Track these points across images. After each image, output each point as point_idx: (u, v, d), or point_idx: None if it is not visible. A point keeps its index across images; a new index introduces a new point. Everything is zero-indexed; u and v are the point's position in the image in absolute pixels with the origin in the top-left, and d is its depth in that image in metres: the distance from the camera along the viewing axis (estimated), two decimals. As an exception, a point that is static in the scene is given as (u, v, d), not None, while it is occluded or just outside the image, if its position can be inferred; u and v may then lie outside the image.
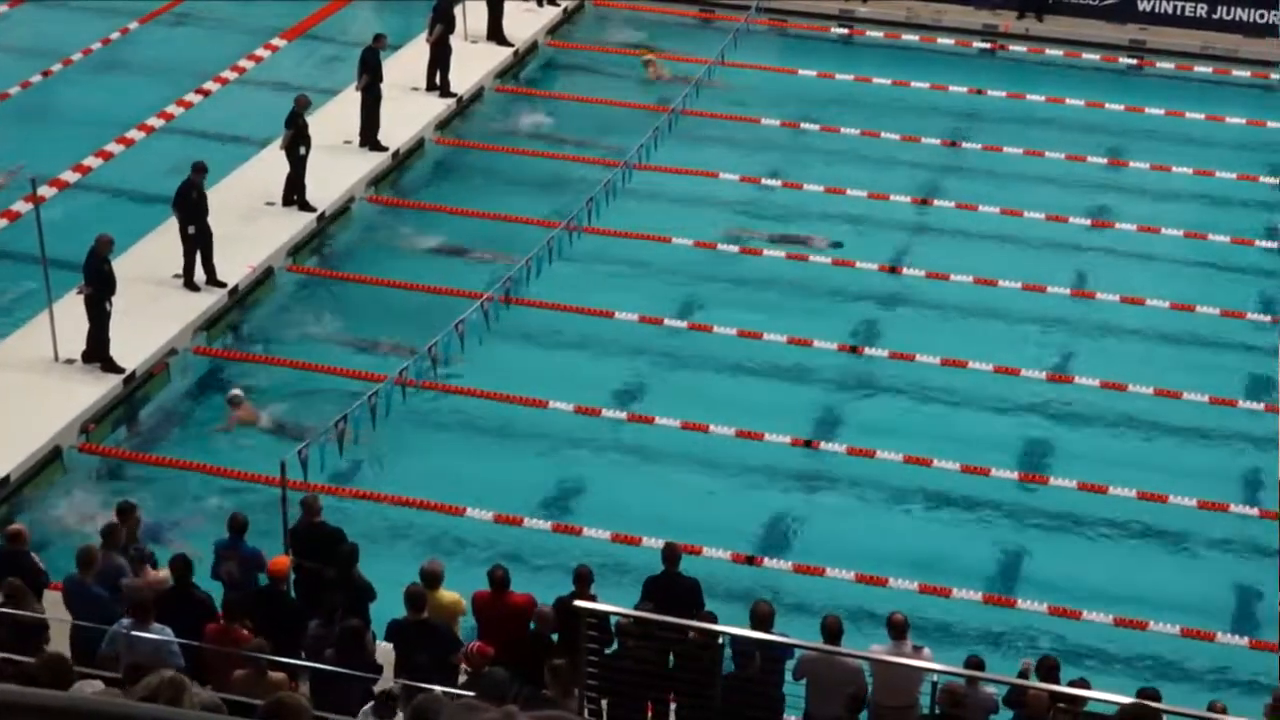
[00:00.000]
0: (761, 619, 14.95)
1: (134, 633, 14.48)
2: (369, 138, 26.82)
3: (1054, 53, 32.14)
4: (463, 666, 14.92)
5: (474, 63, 29.95)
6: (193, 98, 28.90)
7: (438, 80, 28.87)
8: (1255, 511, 20.09)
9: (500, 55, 30.63)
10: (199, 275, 23.03)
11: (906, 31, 32.77)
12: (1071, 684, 14.33)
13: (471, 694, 13.48)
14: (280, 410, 21.33)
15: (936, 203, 26.85)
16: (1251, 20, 32.40)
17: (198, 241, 22.84)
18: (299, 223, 24.92)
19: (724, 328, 23.22)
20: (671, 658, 14.76)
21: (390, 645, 15.43)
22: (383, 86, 26.71)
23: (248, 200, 25.19)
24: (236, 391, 21.05)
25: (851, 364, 22.82)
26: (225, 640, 14.90)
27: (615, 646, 15.00)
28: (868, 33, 32.78)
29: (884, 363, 22.73)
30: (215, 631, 15.03)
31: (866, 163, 27.94)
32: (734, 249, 25.35)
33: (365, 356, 22.13)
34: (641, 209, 25.87)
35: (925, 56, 32.12)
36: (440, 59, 28.78)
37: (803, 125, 29.18)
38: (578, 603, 14.59)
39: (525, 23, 31.78)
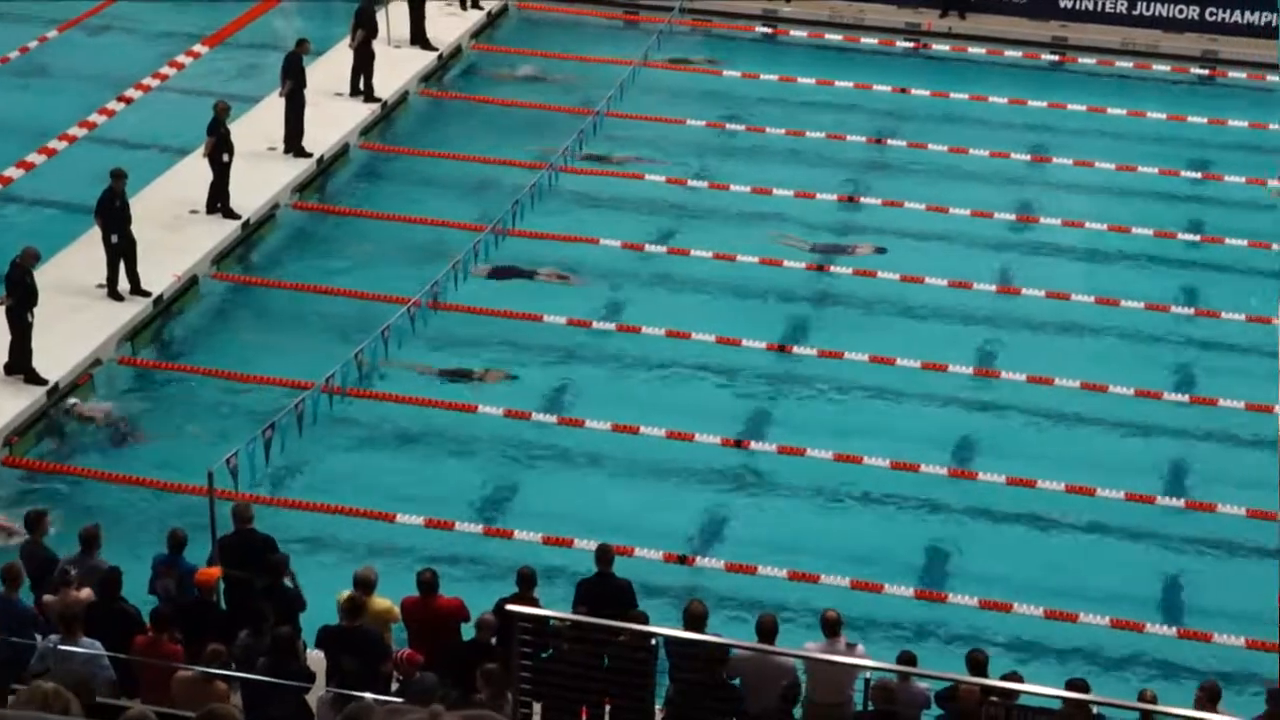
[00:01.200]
0: (695, 619, 14.97)
1: (63, 647, 14.33)
2: (293, 144, 26.67)
3: (977, 50, 32.34)
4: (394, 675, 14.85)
5: (398, 67, 29.84)
6: (115, 106, 28.65)
7: (361, 85, 28.74)
8: (1181, 503, 20.24)
9: (424, 59, 30.54)
10: (123, 284, 22.84)
11: (830, 31, 32.88)
12: (1004, 677, 14.39)
13: (401, 700, 13.41)
14: (207, 420, 21.20)
15: (863, 200, 26.96)
16: (1170, 16, 32.70)
17: (121, 250, 22.66)
18: (223, 230, 24.75)
19: (652, 328, 23.22)
20: (605, 660, 14.73)
21: (321, 653, 15.34)
22: (306, 92, 26.58)
23: (171, 208, 25.00)
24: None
25: (781, 363, 22.87)
26: (154, 652, 14.78)
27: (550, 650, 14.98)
28: (791, 32, 32.89)
29: (813, 361, 22.79)
30: (143, 643, 14.91)
31: (793, 161, 28.02)
32: (661, 250, 25.36)
33: (292, 364, 21.97)
34: (568, 211, 25.84)
35: (849, 56, 32.25)
36: (363, 64, 28.66)
37: (728, 125, 29.25)
38: (509, 606, 14.56)
39: (449, 26, 31.70)
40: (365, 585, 15.52)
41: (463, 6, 32.52)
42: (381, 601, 15.67)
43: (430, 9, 30.98)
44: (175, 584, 16.07)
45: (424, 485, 20.28)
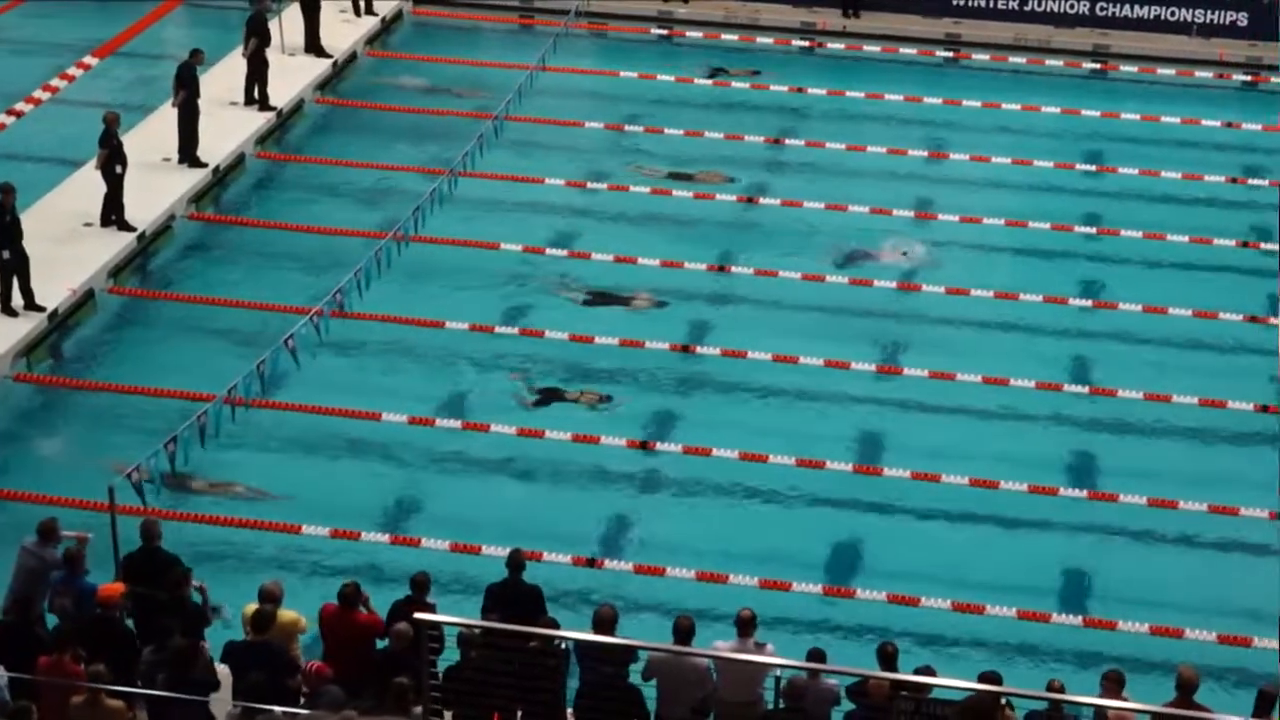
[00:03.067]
0: (604, 623, 14.95)
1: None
2: (188, 154, 26.41)
3: (872, 49, 32.54)
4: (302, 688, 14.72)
5: (293, 75, 29.62)
6: (4, 119, 28.27)
7: (256, 94, 28.51)
8: (1084, 494, 20.42)
9: (319, 67, 30.32)
10: (16, 300, 22.53)
11: (726, 31, 32.98)
12: (915, 671, 14.46)
13: (309, 712, 13.33)
14: (106, 434, 20.94)
15: (762, 200, 27.03)
16: (1061, 11, 33.03)
17: (13, 266, 22.35)
18: (119, 243, 24.47)
19: (555, 332, 23.18)
20: (515, 666, 14.67)
21: (226, 668, 15.17)
22: (201, 102, 26.34)
23: (65, 221, 24.70)
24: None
25: (684, 363, 22.88)
26: (56, 672, 14.56)
27: (451, 655, 14.91)
28: (687, 34, 32.96)
29: (716, 361, 22.82)
30: (46, 664, 14.68)
31: (691, 163, 28.06)
32: (562, 253, 25.31)
33: (193, 376, 21.74)
34: (469, 216, 25.75)
35: (745, 56, 32.34)
36: (257, 72, 28.42)
37: (626, 128, 29.26)
38: (418, 615, 14.48)
39: (343, 34, 31.51)
40: (271, 598, 15.37)
41: (356, 12, 32.34)
42: (288, 614, 15.52)
43: (324, 16, 30.78)
44: (72, 603, 15.85)
45: (329, 495, 20.12)
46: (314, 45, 30.55)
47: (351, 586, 15.57)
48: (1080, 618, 18.53)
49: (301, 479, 20.48)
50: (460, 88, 30.38)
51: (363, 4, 32.40)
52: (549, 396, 22.16)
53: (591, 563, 19.12)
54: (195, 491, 20.06)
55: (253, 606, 15.28)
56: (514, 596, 15.86)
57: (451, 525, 19.63)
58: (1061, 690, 14.53)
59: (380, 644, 15.43)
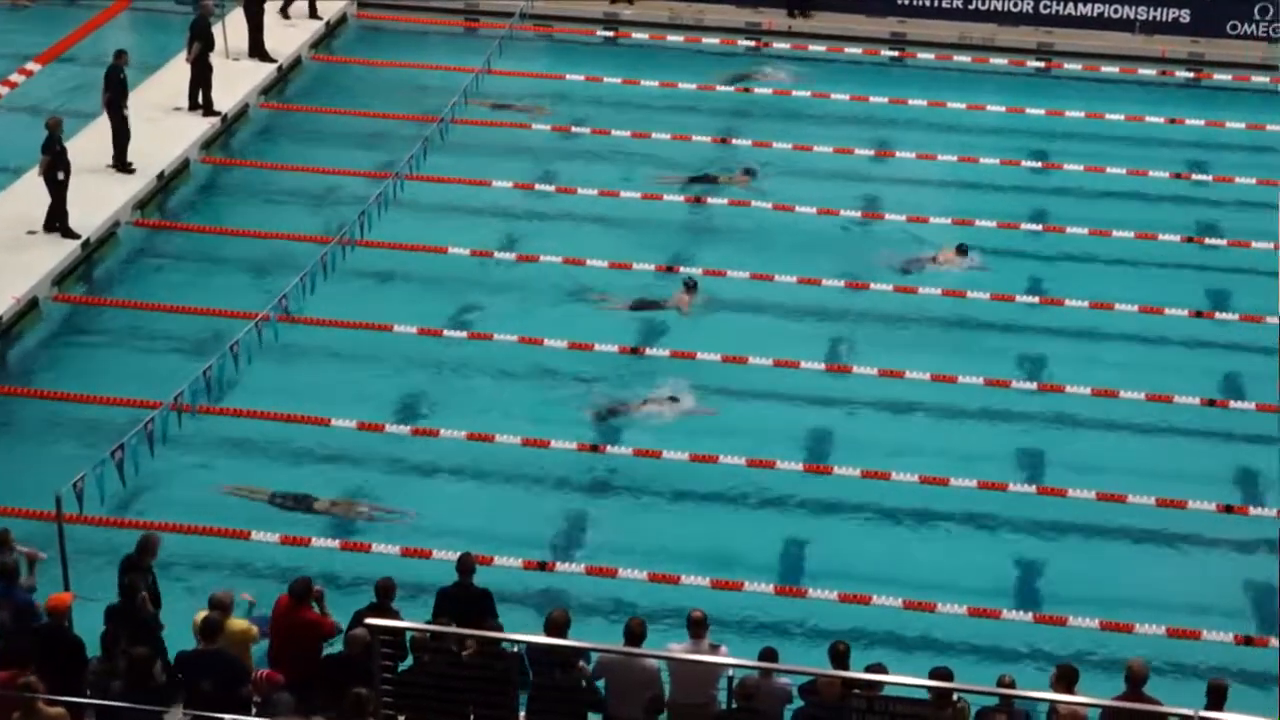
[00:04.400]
0: (556, 626, 14.94)
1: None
2: (119, 159, 26.18)
3: (817, 48, 32.60)
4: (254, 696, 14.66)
5: (237, 80, 29.49)
6: (-54, 128, 28.11)
7: (200, 99, 28.35)
8: (1033, 489, 20.50)
9: (264, 71, 30.19)
10: (-40, 309, 22.40)
11: (671, 33, 32.99)
12: (867, 669, 14.49)
13: (262, 720, 13.28)
14: (53, 443, 20.79)
15: (710, 201, 27.04)
16: (1005, 9, 33.17)
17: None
18: (63, 250, 24.29)
19: (504, 335, 23.13)
20: (466, 670, 14.66)
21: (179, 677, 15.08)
22: (148, 108, 26.15)
23: (8, 229, 24.53)
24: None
25: (633, 364, 22.87)
26: (11, 685, 14.41)
27: (409, 661, 14.87)
28: (633, 35, 32.96)
29: (665, 361, 22.81)
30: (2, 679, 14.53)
31: (639, 164, 28.06)
32: (511, 256, 25.27)
33: (139, 383, 21.60)
34: (415, 220, 25.68)
35: (691, 56, 32.37)
36: (201, 77, 28.26)
37: (573, 129, 29.24)
38: (368, 620, 14.46)
39: (287, 38, 31.37)
40: (221, 607, 15.29)
41: (283, 15, 32.06)
42: (238, 622, 15.46)
43: (269, 20, 30.65)
44: (10, 615, 15.68)
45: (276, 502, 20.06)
46: (258, 50, 30.40)
47: (303, 581, 15.53)
48: (1031, 614, 18.60)
49: (255, 483, 20.36)
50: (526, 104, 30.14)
51: (308, 6, 32.22)
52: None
53: (543, 566, 19.09)
54: (318, 512, 19.92)
55: (202, 614, 15.20)
56: (464, 600, 15.83)
57: (402, 530, 19.57)
58: (1012, 686, 14.60)
59: (330, 647, 15.39)
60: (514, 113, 29.17)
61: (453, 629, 14.83)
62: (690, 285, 24.07)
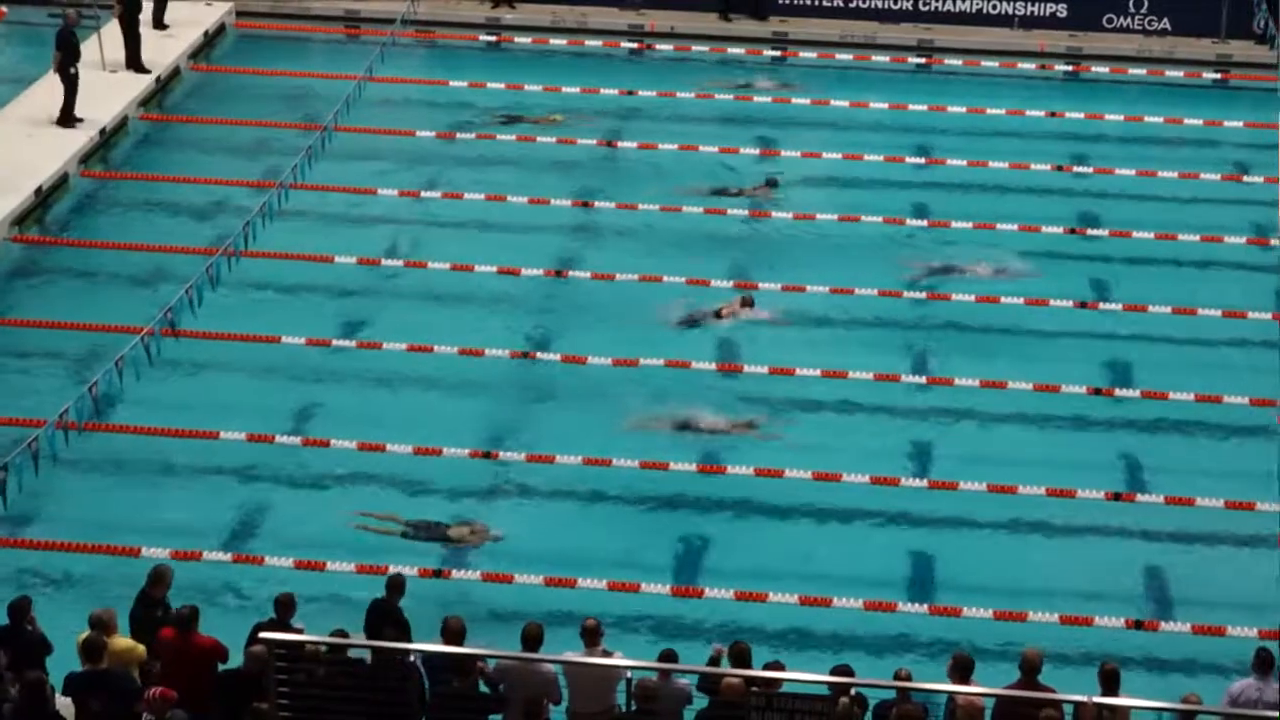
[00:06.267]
0: (453, 634, 14.87)
1: None
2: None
3: (700, 49, 32.69)
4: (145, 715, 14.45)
5: (115, 92, 29.12)
6: None
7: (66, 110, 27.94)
8: (925, 483, 20.63)
9: (141, 83, 29.81)
10: None
11: (554, 36, 32.96)
12: (766, 666, 14.53)
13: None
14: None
15: (597, 204, 27.04)
16: (886, 7, 33.41)
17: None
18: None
19: (393, 343, 23.00)
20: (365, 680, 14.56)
21: (69, 699, 14.85)
22: (14, 121, 25.84)
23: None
24: None
25: (526, 370, 22.81)
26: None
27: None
28: (516, 39, 32.89)
29: (558, 367, 22.78)
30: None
31: (524, 168, 28.00)
32: (398, 263, 25.14)
33: (21, 401, 21.28)
34: (301, 229, 25.48)
35: (574, 60, 32.36)
36: (69, 88, 27.80)
37: (458, 135, 29.13)
38: (263, 634, 14.33)
39: (165, 49, 31.00)
40: (101, 625, 15.06)
41: (158, 26, 31.49)
42: (123, 640, 15.21)
43: (145, 31, 30.30)
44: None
45: (167, 516, 19.79)
46: (134, 62, 30.01)
47: (188, 609, 15.31)
48: (926, 606, 18.71)
49: (138, 500, 20.11)
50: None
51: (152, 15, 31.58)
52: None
53: (438, 573, 18.98)
54: (454, 541, 19.71)
55: (85, 634, 14.97)
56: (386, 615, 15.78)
57: (296, 543, 19.39)
58: (909, 678, 14.69)
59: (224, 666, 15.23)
60: (527, 125, 29.13)
61: (349, 641, 14.75)
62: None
